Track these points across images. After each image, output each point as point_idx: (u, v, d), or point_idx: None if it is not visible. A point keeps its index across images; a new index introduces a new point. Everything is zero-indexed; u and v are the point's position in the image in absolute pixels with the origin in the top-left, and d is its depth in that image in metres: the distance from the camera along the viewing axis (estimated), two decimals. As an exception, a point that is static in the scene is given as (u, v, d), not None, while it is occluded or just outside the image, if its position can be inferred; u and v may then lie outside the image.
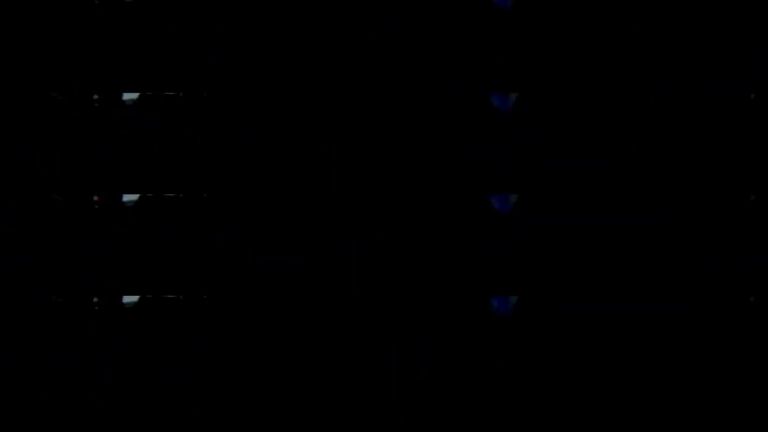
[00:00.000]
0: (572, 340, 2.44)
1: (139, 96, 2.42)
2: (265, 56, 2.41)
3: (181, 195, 2.43)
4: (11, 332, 2.40)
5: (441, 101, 2.40)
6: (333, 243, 2.40)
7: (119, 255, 2.42)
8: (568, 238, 2.46)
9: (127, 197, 2.43)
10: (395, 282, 2.41)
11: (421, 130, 2.39)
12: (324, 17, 2.38)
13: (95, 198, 2.41)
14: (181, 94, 2.41)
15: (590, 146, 2.43)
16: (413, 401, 2.41)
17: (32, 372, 2.40)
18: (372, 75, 2.40)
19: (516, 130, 2.44)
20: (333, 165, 2.38)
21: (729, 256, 2.41)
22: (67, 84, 2.40)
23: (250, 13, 2.40)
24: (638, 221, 2.44)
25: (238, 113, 2.41)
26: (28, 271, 2.41)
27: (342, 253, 2.40)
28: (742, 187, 2.41)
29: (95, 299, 2.42)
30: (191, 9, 2.41)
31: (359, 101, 2.41)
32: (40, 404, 2.39)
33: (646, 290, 2.43)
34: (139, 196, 2.43)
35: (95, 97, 2.40)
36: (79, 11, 2.39)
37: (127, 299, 2.43)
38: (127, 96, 2.41)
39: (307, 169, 2.39)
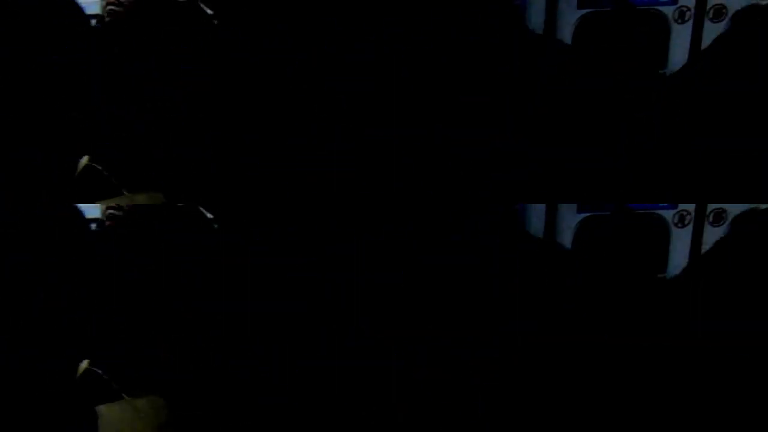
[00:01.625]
0: (571, 339, 2.45)
1: (139, 97, 2.42)
2: (265, 58, 2.41)
3: (180, 196, 2.43)
4: (11, 332, 2.41)
5: (440, 104, 2.40)
6: (333, 245, 2.40)
7: (118, 256, 2.42)
8: (567, 238, 2.46)
9: (125, 198, 2.43)
10: (395, 283, 2.42)
11: (421, 133, 2.39)
12: (324, 19, 2.38)
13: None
14: (181, 95, 2.41)
15: (590, 146, 2.43)
16: (413, 401, 2.42)
17: (32, 372, 2.40)
18: (371, 77, 2.40)
19: (515, 133, 2.44)
20: (333, 167, 2.38)
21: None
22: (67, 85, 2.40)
23: (250, 15, 2.40)
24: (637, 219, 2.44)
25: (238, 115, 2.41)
26: (28, 271, 2.42)
27: (342, 255, 2.40)
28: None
29: (95, 300, 2.43)
30: (191, 10, 2.41)
31: (359, 103, 2.41)
32: (39, 404, 2.40)
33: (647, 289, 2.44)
34: (137, 197, 2.43)
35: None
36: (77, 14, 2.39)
37: (127, 300, 2.43)
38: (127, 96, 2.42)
39: (307, 172, 2.39)
